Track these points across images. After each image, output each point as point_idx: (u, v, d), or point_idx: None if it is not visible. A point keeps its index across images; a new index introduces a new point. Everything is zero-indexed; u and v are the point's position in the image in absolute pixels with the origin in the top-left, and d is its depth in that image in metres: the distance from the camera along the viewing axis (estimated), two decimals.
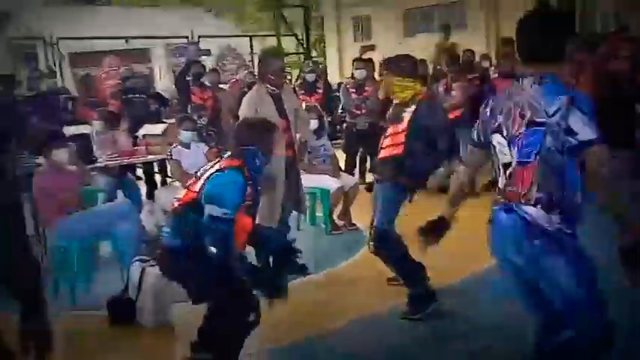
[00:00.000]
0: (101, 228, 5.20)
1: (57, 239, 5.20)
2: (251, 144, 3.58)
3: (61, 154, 5.26)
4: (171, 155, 6.08)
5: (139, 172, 8.45)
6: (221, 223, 3.32)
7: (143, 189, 7.89)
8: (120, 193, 6.91)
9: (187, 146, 6.15)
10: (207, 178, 3.49)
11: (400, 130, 4.22)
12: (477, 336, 3.97)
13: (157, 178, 8.70)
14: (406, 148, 4.17)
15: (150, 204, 7.36)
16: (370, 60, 9.58)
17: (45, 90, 9.17)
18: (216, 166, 3.55)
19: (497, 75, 8.01)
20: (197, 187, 3.51)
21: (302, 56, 20.23)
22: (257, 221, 4.71)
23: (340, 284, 5.06)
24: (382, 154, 4.33)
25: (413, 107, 4.21)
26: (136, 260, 4.62)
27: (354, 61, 9.00)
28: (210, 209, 3.35)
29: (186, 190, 3.63)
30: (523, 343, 2.92)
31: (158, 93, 10.35)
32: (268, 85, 5.01)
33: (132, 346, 4.21)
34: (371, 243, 4.32)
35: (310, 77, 9.13)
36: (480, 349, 3.80)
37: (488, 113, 2.70)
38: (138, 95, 8.84)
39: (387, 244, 4.27)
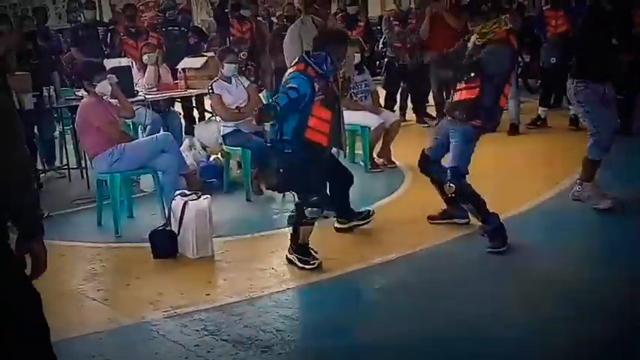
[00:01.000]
0: (142, 161, 5.24)
1: (99, 171, 5.26)
2: (324, 50, 4.14)
3: (102, 87, 5.27)
4: (212, 89, 6.02)
5: (177, 106, 8.43)
6: (284, 96, 4.01)
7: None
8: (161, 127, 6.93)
9: (229, 80, 6.06)
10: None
11: (475, 75, 4.17)
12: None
13: (195, 113, 8.70)
14: (481, 91, 4.16)
15: (189, 139, 7.38)
16: None
17: (84, 22, 9.11)
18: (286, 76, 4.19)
19: (548, 6, 7.72)
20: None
21: None
22: None
23: (379, 222, 5.03)
24: (457, 96, 4.32)
25: (485, 51, 4.17)
26: (178, 194, 4.66)
27: None
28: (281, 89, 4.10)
29: None
30: None
31: (197, 27, 10.24)
32: (313, 16, 4.95)
33: (173, 276, 4.30)
34: (449, 184, 4.33)
35: (352, 10, 8.89)
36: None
37: None
38: (178, 28, 8.76)
39: (464, 182, 4.36)
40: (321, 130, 4.16)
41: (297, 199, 4.27)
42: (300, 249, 4.21)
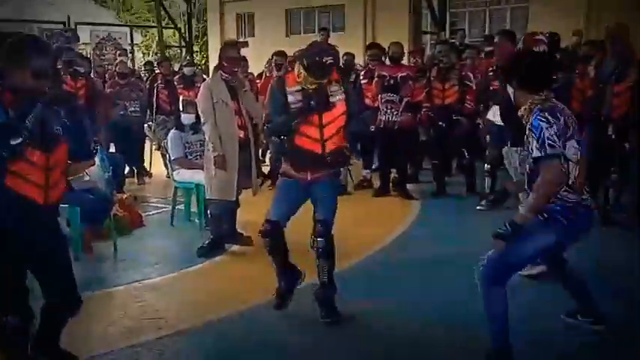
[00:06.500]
0: None
1: None
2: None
3: None
4: None
5: None
6: None
7: None
8: None
9: None
10: None
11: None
12: None
13: None
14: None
15: None
16: (244, 58, 9.65)
17: None
18: None
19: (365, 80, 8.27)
20: None
21: (184, 49, 19.98)
22: (215, 196, 5.59)
23: (209, 281, 5.05)
24: (330, 146, 3.91)
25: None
26: None
27: None
28: None
29: None
30: None
31: None
32: (222, 72, 5.52)
33: None
34: (320, 238, 3.96)
35: (188, 71, 9.01)
36: None
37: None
38: None
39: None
40: None
41: None
42: None
